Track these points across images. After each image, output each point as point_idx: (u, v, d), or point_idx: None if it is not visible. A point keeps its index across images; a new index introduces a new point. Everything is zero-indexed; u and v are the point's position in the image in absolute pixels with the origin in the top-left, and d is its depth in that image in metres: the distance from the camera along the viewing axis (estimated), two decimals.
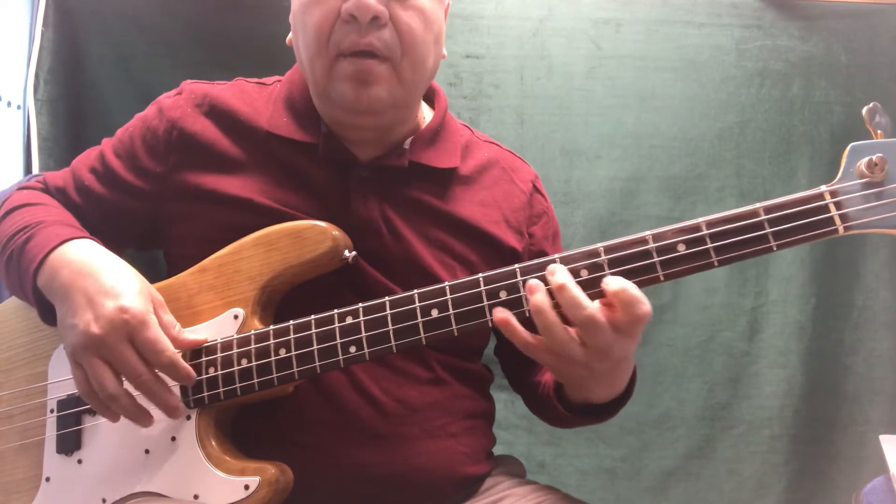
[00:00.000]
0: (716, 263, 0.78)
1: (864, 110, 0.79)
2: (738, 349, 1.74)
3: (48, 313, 0.92)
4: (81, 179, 1.03)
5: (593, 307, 0.75)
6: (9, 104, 1.59)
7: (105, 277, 0.86)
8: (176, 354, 0.85)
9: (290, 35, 0.99)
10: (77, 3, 1.64)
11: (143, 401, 0.86)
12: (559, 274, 0.77)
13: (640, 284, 0.78)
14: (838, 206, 0.77)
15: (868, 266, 1.74)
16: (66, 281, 0.86)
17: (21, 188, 1.06)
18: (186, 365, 0.86)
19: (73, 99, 1.66)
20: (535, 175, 1.12)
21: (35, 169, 1.59)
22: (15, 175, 1.59)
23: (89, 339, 0.82)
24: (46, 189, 1.05)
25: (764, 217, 0.77)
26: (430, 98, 1.09)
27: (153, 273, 0.95)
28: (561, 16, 1.76)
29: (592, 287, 0.78)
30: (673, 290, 1.73)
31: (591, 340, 0.76)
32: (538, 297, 0.77)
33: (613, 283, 0.76)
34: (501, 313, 0.79)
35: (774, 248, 0.77)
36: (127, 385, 0.85)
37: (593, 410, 0.92)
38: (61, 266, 0.88)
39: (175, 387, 0.88)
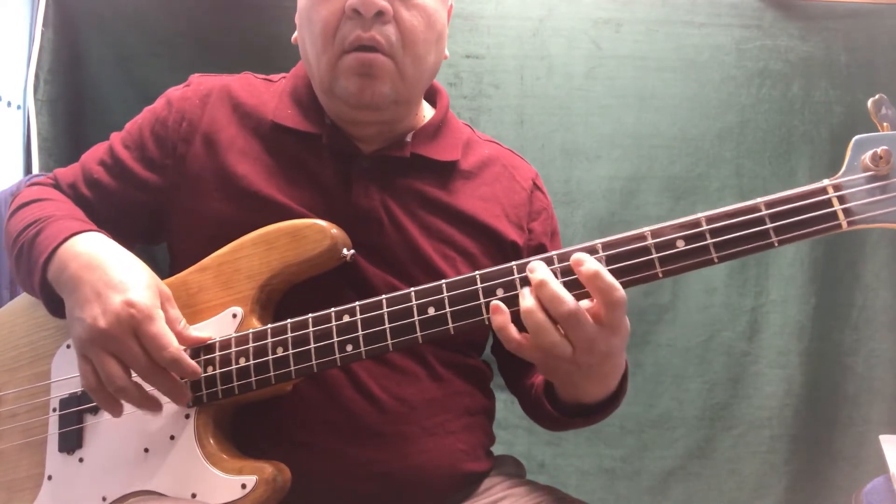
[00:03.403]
0: (716, 260, 0.77)
1: (870, 102, 0.77)
2: (738, 349, 1.74)
3: (57, 306, 0.92)
4: (91, 173, 1.03)
5: (574, 302, 0.75)
6: (9, 104, 1.59)
7: (113, 271, 0.86)
8: (179, 350, 0.84)
9: (296, 34, 1.00)
10: (77, 3, 1.64)
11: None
12: (539, 271, 0.77)
13: (638, 281, 0.78)
14: (842, 200, 0.75)
15: (868, 266, 1.74)
16: (74, 274, 0.87)
17: (31, 184, 1.06)
18: (190, 360, 0.86)
19: (73, 99, 1.66)
20: (535, 173, 1.12)
21: (35, 169, 1.60)
22: (15, 175, 1.59)
23: (96, 332, 0.83)
24: (57, 185, 1.06)
25: (765, 212, 0.76)
26: (432, 97, 1.10)
27: (152, 270, 0.95)
28: (561, 16, 1.76)
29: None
30: (673, 290, 1.73)
31: (574, 335, 0.76)
32: (528, 300, 0.77)
33: (588, 264, 0.75)
34: (497, 302, 0.78)
35: (776, 244, 0.75)
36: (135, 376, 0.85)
37: (584, 411, 0.92)
38: (70, 259, 0.88)
39: None
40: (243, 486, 0.83)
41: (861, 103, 0.79)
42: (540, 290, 0.76)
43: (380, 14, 0.90)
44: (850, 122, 1.73)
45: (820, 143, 1.74)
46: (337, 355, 0.84)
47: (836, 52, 1.75)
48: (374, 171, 0.97)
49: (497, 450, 1.08)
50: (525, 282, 0.79)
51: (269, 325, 0.88)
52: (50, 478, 0.93)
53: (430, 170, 1.01)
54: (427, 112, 1.07)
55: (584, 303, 0.77)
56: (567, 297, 0.75)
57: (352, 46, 0.91)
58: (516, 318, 0.78)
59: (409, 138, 1.00)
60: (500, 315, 0.78)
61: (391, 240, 0.96)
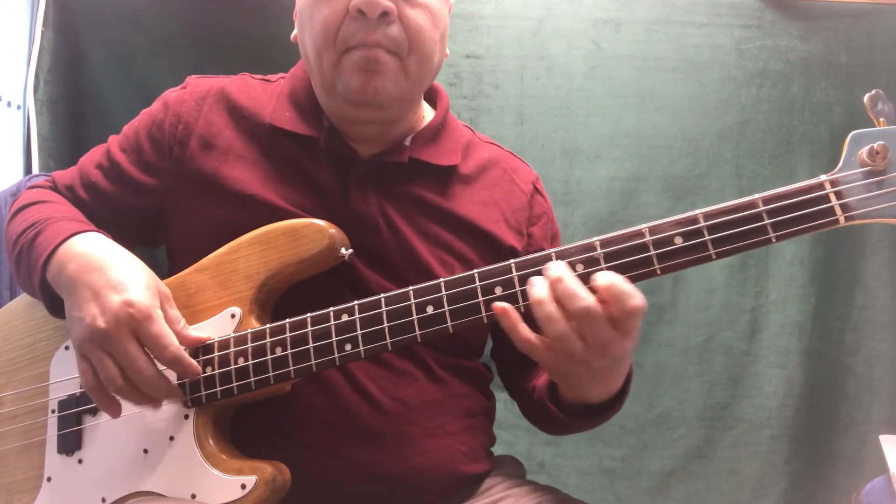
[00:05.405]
0: (713, 256, 0.77)
1: (866, 97, 0.77)
2: (738, 349, 1.74)
3: (57, 307, 0.92)
4: (88, 176, 1.03)
5: (589, 299, 0.74)
6: (9, 104, 1.59)
7: (112, 271, 0.86)
8: (180, 349, 0.84)
9: (295, 32, 0.99)
10: (77, 3, 1.64)
11: None
12: (555, 268, 0.76)
13: (636, 278, 0.77)
14: (839, 195, 0.75)
15: (868, 266, 1.74)
16: (73, 274, 0.87)
17: (30, 187, 1.07)
18: (191, 360, 0.86)
19: (73, 99, 1.67)
20: (536, 177, 1.12)
21: (35, 169, 1.60)
22: (15, 175, 1.59)
23: (94, 332, 0.82)
24: (55, 187, 1.06)
25: (762, 208, 0.76)
26: (432, 98, 1.09)
27: (153, 270, 0.95)
28: (561, 16, 1.76)
29: (588, 282, 0.76)
30: (673, 290, 1.72)
31: (588, 334, 0.75)
32: (537, 289, 0.76)
33: (603, 277, 0.74)
34: (501, 303, 0.78)
35: (773, 240, 0.75)
36: None
37: (587, 411, 0.91)
38: (69, 259, 0.88)
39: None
40: (243, 487, 0.83)
41: (861, 103, 0.79)
42: (556, 286, 0.75)
43: (385, 14, 0.88)
44: (850, 122, 1.73)
45: (820, 143, 1.74)
46: (336, 355, 0.84)
47: (836, 52, 1.75)
48: (372, 177, 0.97)
49: (497, 450, 1.08)
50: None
51: (268, 325, 0.88)
52: (49, 479, 0.93)
53: (428, 175, 1.00)
54: (427, 113, 1.06)
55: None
56: (583, 293, 0.74)
57: (355, 45, 0.90)
58: (526, 318, 0.78)
59: (407, 142, 1.00)
60: (508, 317, 0.77)
61: (388, 245, 0.96)
